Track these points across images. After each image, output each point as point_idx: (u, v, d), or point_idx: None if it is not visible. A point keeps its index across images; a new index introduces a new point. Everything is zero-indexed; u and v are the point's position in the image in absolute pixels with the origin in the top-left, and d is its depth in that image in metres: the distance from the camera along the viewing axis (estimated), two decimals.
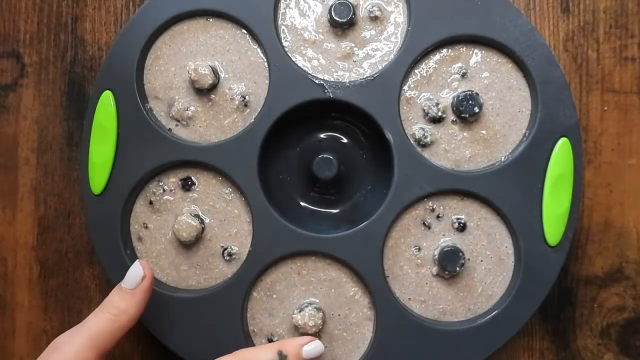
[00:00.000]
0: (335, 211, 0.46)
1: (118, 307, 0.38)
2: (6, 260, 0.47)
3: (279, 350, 0.38)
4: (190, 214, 0.43)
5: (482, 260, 0.43)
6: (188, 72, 0.42)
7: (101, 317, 0.37)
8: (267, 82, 0.43)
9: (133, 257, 0.43)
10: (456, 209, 0.43)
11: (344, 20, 0.42)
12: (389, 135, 0.42)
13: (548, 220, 0.42)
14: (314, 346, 0.39)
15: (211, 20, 0.44)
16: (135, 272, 0.38)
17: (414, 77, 0.43)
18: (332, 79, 0.43)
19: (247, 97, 0.43)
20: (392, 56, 0.43)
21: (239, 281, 0.42)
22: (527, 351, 0.46)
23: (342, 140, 0.46)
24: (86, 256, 0.47)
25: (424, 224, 0.43)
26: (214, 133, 0.43)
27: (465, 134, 0.43)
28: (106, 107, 0.42)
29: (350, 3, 0.42)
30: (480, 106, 0.42)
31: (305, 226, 0.43)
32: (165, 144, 0.42)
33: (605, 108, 0.46)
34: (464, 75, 0.43)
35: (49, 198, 0.47)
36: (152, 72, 0.44)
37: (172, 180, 0.44)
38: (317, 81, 0.42)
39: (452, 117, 0.43)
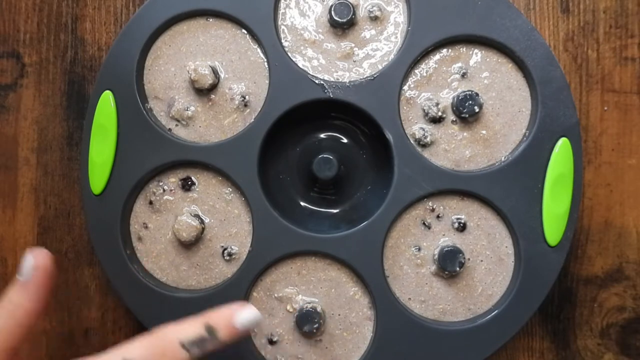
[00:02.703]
0: (335, 211, 0.46)
1: (12, 302, 0.34)
2: (6, 260, 0.47)
3: (206, 323, 0.33)
4: (190, 214, 0.43)
5: (482, 260, 0.43)
6: (188, 72, 0.42)
7: None
8: (267, 82, 0.43)
9: (133, 257, 0.43)
10: (456, 209, 0.43)
11: (344, 20, 0.42)
12: (389, 135, 0.42)
13: (548, 220, 0.42)
14: (247, 313, 0.34)
15: (211, 20, 0.44)
16: (26, 263, 0.34)
17: (414, 77, 0.43)
18: (332, 79, 0.43)
19: (247, 97, 0.43)
20: (392, 56, 0.43)
21: (239, 281, 0.42)
22: (527, 351, 0.46)
23: (342, 140, 0.46)
24: (86, 256, 0.47)
25: (424, 224, 0.43)
26: (213, 133, 0.43)
27: (465, 134, 0.43)
28: (106, 107, 0.42)
29: (350, 3, 0.42)
30: (480, 106, 0.42)
31: (305, 226, 0.43)
32: (165, 144, 0.42)
33: (605, 108, 0.46)
34: (464, 75, 0.43)
35: (49, 198, 0.47)
36: (152, 72, 0.44)
37: (172, 180, 0.44)
38: (317, 81, 0.42)
39: (452, 117, 0.43)
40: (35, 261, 0.34)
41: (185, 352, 0.32)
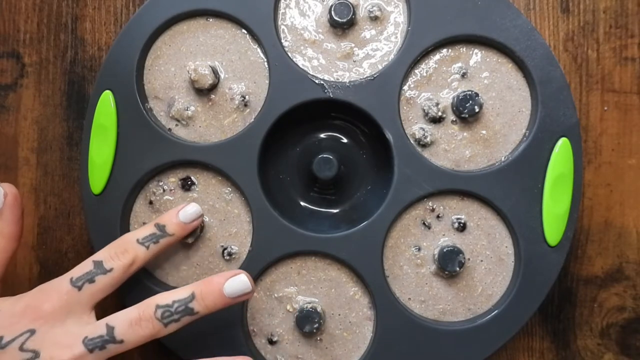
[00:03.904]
0: (335, 211, 0.46)
1: None
2: None
3: (156, 223, 0.39)
4: None
5: (482, 260, 0.43)
6: (188, 72, 0.42)
7: None
8: (267, 82, 0.43)
9: None
10: (456, 209, 0.43)
11: (344, 20, 0.42)
12: (389, 135, 0.42)
13: (548, 220, 0.42)
14: (189, 208, 0.40)
15: (211, 20, 0.44)
16: None
17: (414, 77, 0.43)
18: (332, 79, 0.43)
19: (247, 97, 0.43)
20: (392, 56, 0.43)
21: None
22: (527, 351, 0.46)
23: (342, 140, 0.46)
24: (86, 256, 0.46)
25: (424, 224, 0.43)
26: (213, 133, 0.43)
27: (465, 134, 0.43)
28: (106, 107, 0.42)
29: (350, 3, 0.42)
30: (480, 106, 0.42)
31: (305, 226, 0.43)
32: (165, 144, 0.42)
33: (605, 108, 0.46)
34: (464, 75, 0.43)
35: (49, 198, 0.47)
36: (152, 72, 0.44)
37: (172, 180, 0.44)
38: (317, 81, 0.42)
39: (452, 117, 0.43)
40: (3, 190, 0.39)
41: (142, 246, 0.38)
